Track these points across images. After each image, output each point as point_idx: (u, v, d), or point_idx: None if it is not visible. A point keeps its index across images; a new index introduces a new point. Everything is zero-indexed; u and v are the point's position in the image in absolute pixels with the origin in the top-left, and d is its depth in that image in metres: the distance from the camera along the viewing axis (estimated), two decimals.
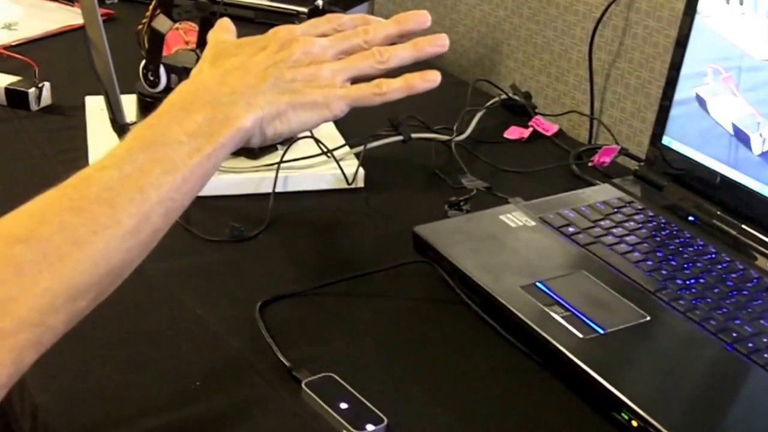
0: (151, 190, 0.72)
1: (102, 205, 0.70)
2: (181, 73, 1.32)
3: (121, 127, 1.21)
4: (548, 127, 1.46)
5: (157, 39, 1.28)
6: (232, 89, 0.79)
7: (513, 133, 1.45)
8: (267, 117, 0.79)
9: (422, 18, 0.86)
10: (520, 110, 1.51)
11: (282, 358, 0.90)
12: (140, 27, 1.32)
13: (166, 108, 0.78)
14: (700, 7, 1.09)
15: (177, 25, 1.36)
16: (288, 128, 0.81)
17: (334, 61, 0.83)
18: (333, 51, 0.83)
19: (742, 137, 1.07)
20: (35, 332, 0.66)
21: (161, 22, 1.27)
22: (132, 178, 0.72)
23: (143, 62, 1.31)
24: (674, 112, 1.17)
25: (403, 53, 0.84)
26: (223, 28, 0.89)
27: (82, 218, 0.69)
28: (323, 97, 0.81)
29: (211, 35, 0.88)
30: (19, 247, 0.67)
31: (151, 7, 1.29)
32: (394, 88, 0.83)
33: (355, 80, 0.84)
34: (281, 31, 0.84)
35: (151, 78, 1.30)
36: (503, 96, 1.53)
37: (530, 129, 1.45)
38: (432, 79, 0.84)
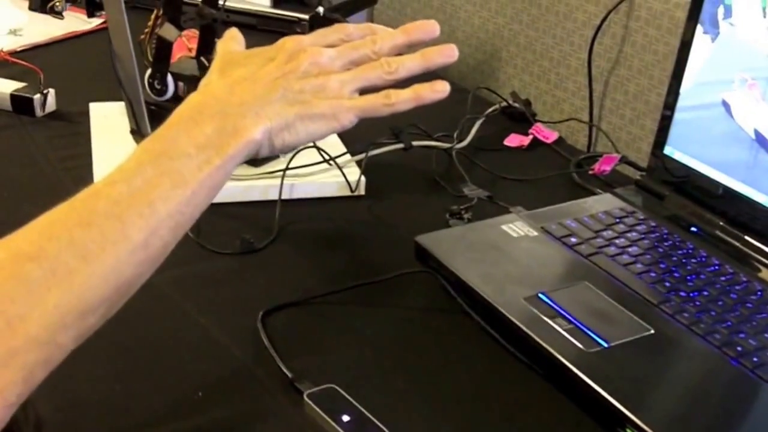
0: (160, 204, 0.72)
1: (111, 220, 0.70)
2: (188, 80, 1.32)
3: (143, 138, 1.21)
4: (548, 135, 1.46)
5: (165, 47, 1.28)
6: (241, 100, 0.78)
7: (513, 140, 1.45)
8: (276, 128, 0.79)
9: (430, 28, 0.85)
10: (519, 117, 1.51)
11: (284, 369, 0.90)
12: (143, 36, 1.32)
13: (176, 119, 0.78)
14: (734, 19, 1.09)
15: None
16: (296, 139, 0.80)
17: (343, 71, 0.83)
18: (341, 62, 0.83)
19: (762, 142, 1.06)
20: (45, 350, 0.66)
21: (168, 31, 1.27)
22: (141, 192, 0.71)
23: (149, 71, 1.31)
24: (678, 121, 1.17)
25: (412, 64, 0.83)
26: (232, 38, 0.88)
27: (91, 234, 0.69)
28: (331, 109, 0.81)
29: (220, 45, 0.87)
30: (29, 265, 0.66)
31: (152, 16, 1.29)
32: (403, 99, 0.83)
33: (364, 91, 0.83)
34: (289, 42, 0.84)
35: (158, 86, 1.30)
36: (503, 103, 1.53)
37: (530, 136, 1.45)
38: (441, 89, 0.83)
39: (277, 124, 0.79)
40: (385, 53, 0.84)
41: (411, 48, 0.85)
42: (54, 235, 0.68)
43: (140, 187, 0.72)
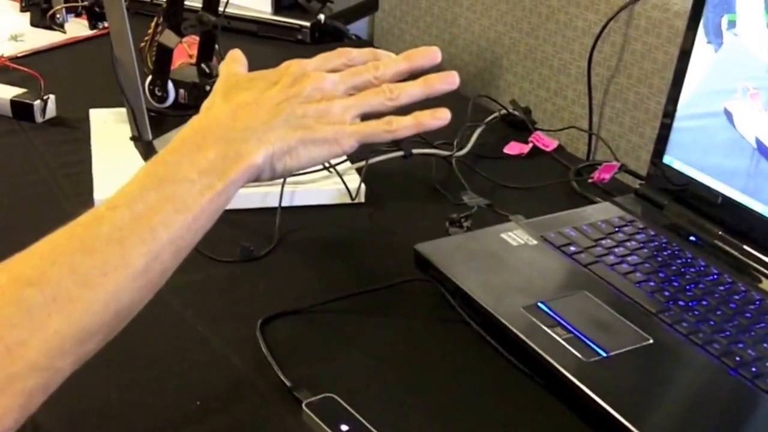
0: (162, 229, 0.72)
1: (112, 246, 0.70)
2: (189, 87, 1.33)
3: (145, 144, 1.21)
4: (548, 143, 1.46)
5: (166, 54, 1.28)
6: (245, 125, 0.79)
7: (513, 148, 1.45)
8: (278, 153, 0.79)
9: (432, 54, 0.86)
10: (519, 125, 1.52)
11: (283, 378, 0.90)
12: (143, 44, 1.32)
13: (179, 143, 0.78)
14: (737, 29, 1.09)
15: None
16: (297, 164, 0.81)
17: (345, 97, 0.83)
18: (344, 87, 0.84)
19: (763, 151, 1.06)
20: (44, 376, 0.66)
21: (168, 38, 1.27)
22: (143, 217, 0.72)
23: (149, 78, 1.31)
24: (677, 129, 1.17)
25: (414, 90, 0.85)
26: (234, 60, 0.88)
27: (93, 259, 0.69)
28: (333, 134, 0.81)
29: (223, 68, 0.88)
30: (30, 290, 0.67)
31: (152, 24, 1.29)
32: (404, 126, 0.84)
33: (365, 116, 0.84)
34: (293, 66, 0.84)
35: (159, 93, 1.31)
36: (503, 111, 1.53)
37: (530, 144, 1.45)
38: (442, 117, 0.85)
39: (279, 149, 0.79)
40: (387, 79, 0.85)
41: (413, 74, 0.86)
42: (56, 260, 0.69)
43: (142, 212, 0.72)
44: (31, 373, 0.65)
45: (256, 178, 0.79)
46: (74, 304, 0.68)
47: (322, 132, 0.81)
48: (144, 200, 0.73)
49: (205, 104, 0.83)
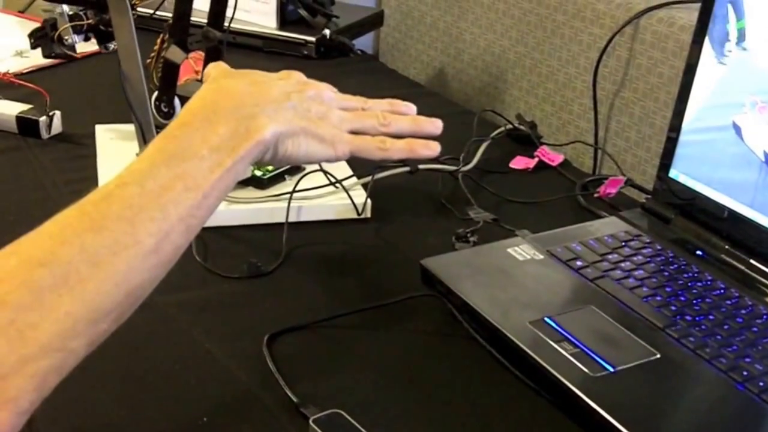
0: (172, 207, 0.72)
1: (122, 224, 0.70)
2: None
3: None
4: (554, 158, 1.46)
5: (172, 70, 1.29)
6: (256, 100, 0.81)
7: (519, 163, 1.45)
8: (284, 134, 0.81)
9: (411, 110, 0.93)
10: (525, 140, 1.52)
11: (290, 394, 0.90)
12: (149, 61, 1.33)
13: (188, 117, 0.78)
14: (746, 43, 1.09)
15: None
16: (296, 152, 0.83)
17: (342, 110, 0.88)
18: (337, 104, 0.88)
19: None
20: (57, 357, 0.66)
21: (174, 53, 1.27)
22: (153, 195, 0.72)
23: (156, 94, 1.31)
24: (684, 143, 1.17)
25: (403, 124, 0.91)
26: (221, 64, 0.91)
27: (102, 238, 0.69)
28: (331, 136, 0.85)
29: (212, 69, 0.89)
30: (40, 271, 0.66)
31: (158, 40, 1.30)
32: (397, 148, 0.89)
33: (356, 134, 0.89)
34: (295, 73, 0.89)
35: (165, 109, 1.31)
36: (509, 126, 1.53)
37: (536, 159, 1.45)
38: (434, 149, 0.91)
39: (286, 131, 0.81)
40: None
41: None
42: (65, 240, 0.68)
43: (152, 189, 0.72)
44: (44, 355, 0.65)
45: (260, 159, 0.80)
46: (85, 285, 0.67)
47: (323, 129, 0.84)
48: (154, 177, 0.73)
49: (205, 86, 0.84)
